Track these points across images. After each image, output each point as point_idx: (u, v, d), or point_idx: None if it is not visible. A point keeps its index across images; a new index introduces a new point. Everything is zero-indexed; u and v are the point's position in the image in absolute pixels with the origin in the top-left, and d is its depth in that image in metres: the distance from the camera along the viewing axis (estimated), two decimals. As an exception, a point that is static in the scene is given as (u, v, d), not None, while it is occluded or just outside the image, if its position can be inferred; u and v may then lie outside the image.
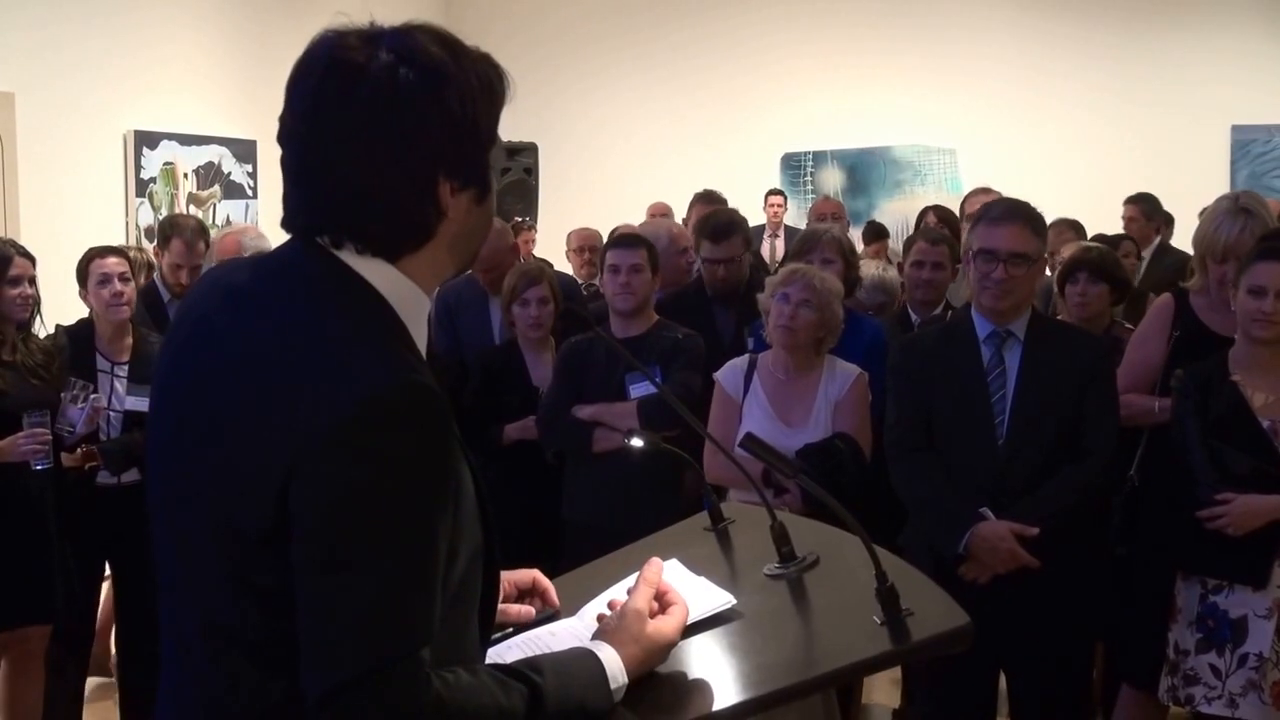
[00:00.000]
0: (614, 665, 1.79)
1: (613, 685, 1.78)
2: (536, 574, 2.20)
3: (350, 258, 1.69)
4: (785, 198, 11.50)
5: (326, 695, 1.54)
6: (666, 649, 1.89)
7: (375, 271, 1.69)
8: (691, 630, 2.01)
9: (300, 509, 1.56)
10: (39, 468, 4.44)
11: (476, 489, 1.75)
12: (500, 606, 2.10)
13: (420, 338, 1.74)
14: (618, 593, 2.15)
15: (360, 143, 1.64)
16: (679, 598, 1.95)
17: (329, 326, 1.64)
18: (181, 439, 1.72)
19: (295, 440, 1.55)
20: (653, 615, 1.90)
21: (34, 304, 4.64)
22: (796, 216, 11.32)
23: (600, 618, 1.96)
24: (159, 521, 1.77)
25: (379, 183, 1.65)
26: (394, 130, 1.63)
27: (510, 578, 2.16)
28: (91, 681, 5.51)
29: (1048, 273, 5.94)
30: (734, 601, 2.05)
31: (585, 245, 7.46)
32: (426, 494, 1.58)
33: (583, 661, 1.78)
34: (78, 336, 4.90)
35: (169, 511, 1.75)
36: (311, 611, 1.56)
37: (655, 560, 1.97)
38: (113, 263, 4.88)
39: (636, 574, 2.19)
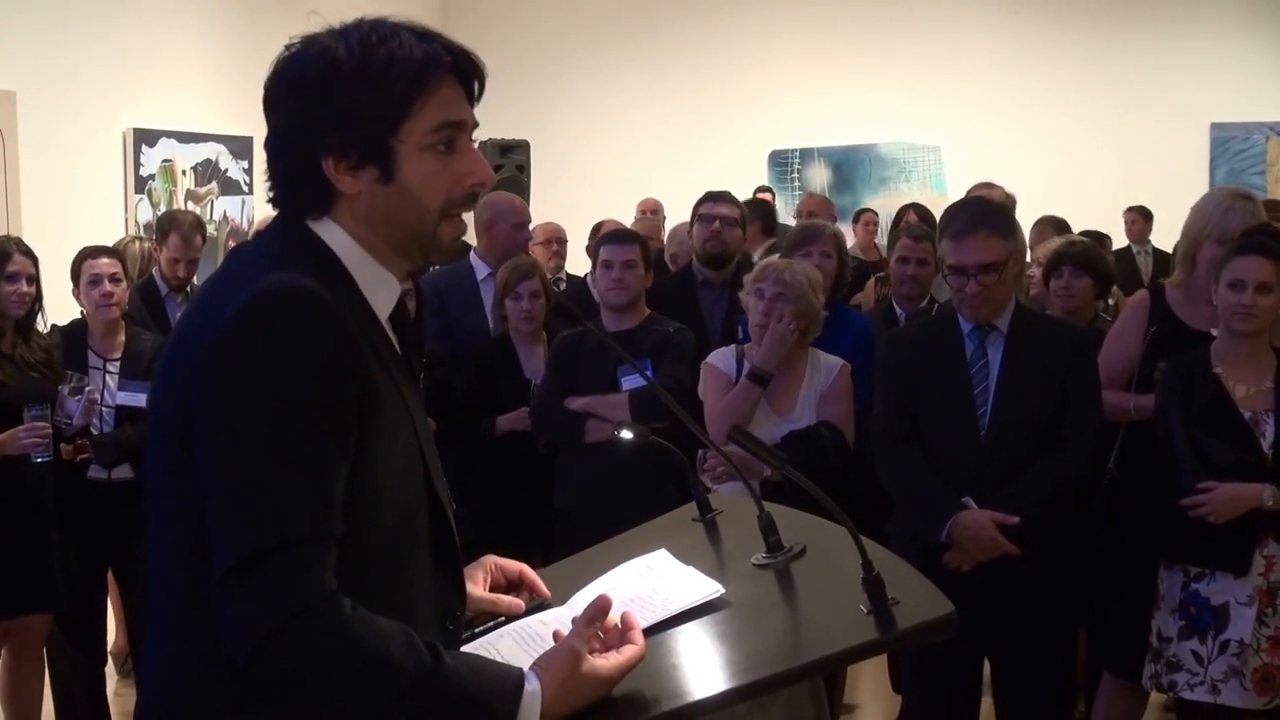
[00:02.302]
0: (532, 697, 1.72)
1: (521, 712, 1.72)
2: (524, 567, 2.22)
3: (311, 222, 1.83)
4: (773, 194, 11.56)
5: (222, 577, 1.62)
6: (599, 689, 1.79)
7: (326, 231, 1.82)
8: (680, 619, 2.03)
9: (196, 411, 1.67)
10: (39, 460, 4.47)
11: (418, 437, 1.82)
12: (492, 596, 2.15)
13: (377, 301, 1.84)
14: (608, 583, 2.19)
15: (267, 118, 1.84)
16: (638, 639, 1.85)
17: (261, 265, 1.76)
18: (154, 394, 1.87)
19: (197, 349, 1.69)
20: (605, 649, 1.83)
21: (33, 302, 4.66)
22: (784, 213, 11.37)
23: (556, 635, 1.91)
24: (146, 492, 1.85)
25: (272, 153, 1.84)
26: (280, 112, 1.82)
27: (500, 563, 2.19)
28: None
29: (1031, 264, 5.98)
30: (722, 591, 2.07)
31: (552, 238, 7.48)
32: (308, 388, 1.65)
33: (505, 675, 1.74)
34: (71, 335, 4.95)
35: (148, 473, 1.84)
36: (210, 504, 1.65)
37: (604, 596, 1.88)
38: (104, 264, 4.92)
39: (627, 563, 2.23)
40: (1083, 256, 4.96)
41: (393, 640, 1.65)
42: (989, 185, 6.54)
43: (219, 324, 1.67)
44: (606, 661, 1.81)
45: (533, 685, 1.74)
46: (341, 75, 1.76)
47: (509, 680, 1.74)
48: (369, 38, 1.78)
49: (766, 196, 11.28)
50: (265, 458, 1.63)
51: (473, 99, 1.87)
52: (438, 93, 1.80)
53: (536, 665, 1.79)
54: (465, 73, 1.84)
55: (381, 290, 1.86)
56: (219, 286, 1.80)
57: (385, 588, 1.73)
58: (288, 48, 1.82)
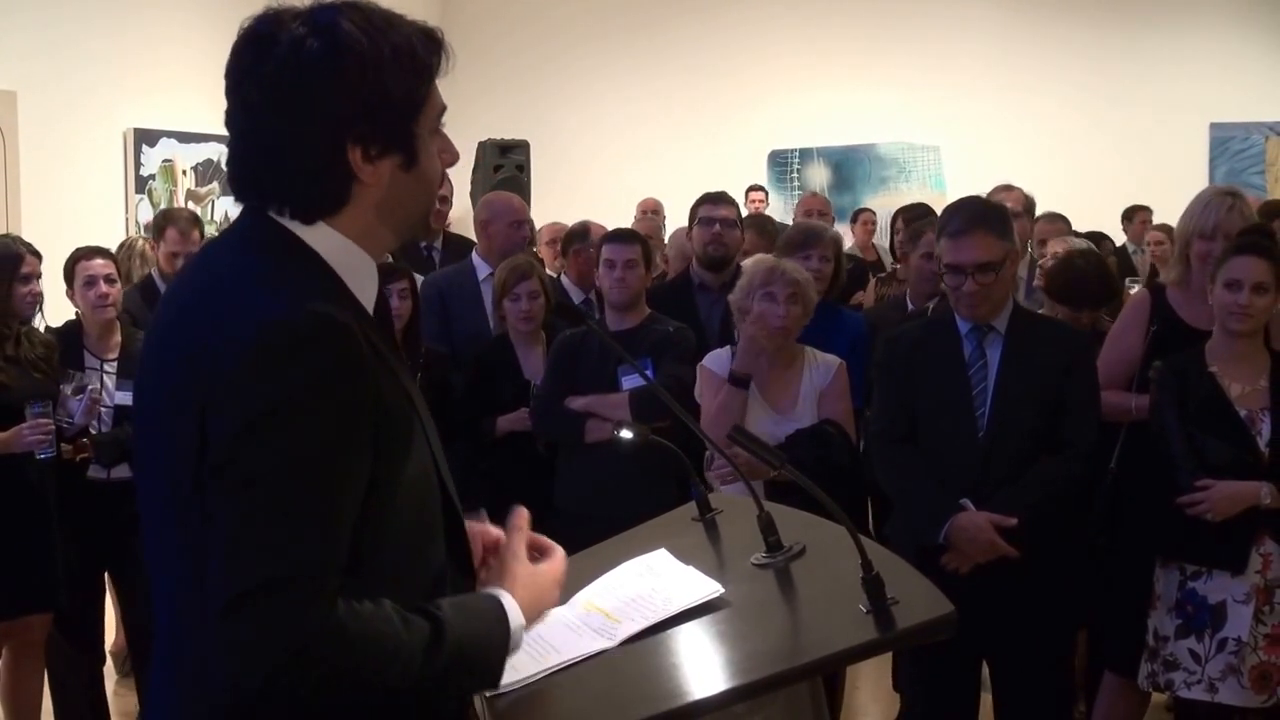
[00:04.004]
0: (513, 608, 1.82)
1: (512, 626, 1.81)
2: (500, 535, 2.08)
3: (288, 222, 1.77)
4: (766, 193, 11.61)
5: (224, 607, 1.58)
6: (555, 590, 1.94)
7: (312, 234, 1.77)
8: (680, 619, 2.04)
9: (212, 441, 1.63)
10: (42, 457, 4.48)
11: (427, 436, 1.82)
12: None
13: (364, 296, 1.82)
14: (608, 583, 2.19)
15: (268, 110, 1.74)
16: (551, 543, 2.00)
17: (248, 275, 1.73)
18: (141, 407, 1.83)
19: (205, 376, 1.64)
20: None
21: (39, 300, 4.71)
22: (783, 213, 11.38)
23: (482, 565, 1.99)
24: (140, 504, 1.83)
25: (285, 148, 1.74)
26: (297, 98, 1.72)
27: (482, 531, 2.11)
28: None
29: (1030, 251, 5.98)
30: (722, 590, 2.08)
31: (557, 238, 7.48)
32: (325, 420, 1.62)
33: (485, 603, 1.82)
34: (67, 336, 4.94)
35: (142, 488, 1.82)
36: (214, 532, 1.61)
37: (520, 509, 1.99)
38: (99, 264, 4.92)
39: (627, 563, 2.24)
40: (1097, 297, 4.88)
41: (394, 626, 1.65)
42: (1008, 187, 6.51)
43: (235, 351, 1.62)
44: (544, 566, 1.95)
45: (508, 600, 1.83)
46: (366, 60, 1.72)
47: (493, 606, 1.82)
48: (373, 20, 1.75)
49: (760, 196, 11.32)
50: (278, 495, 1.59)
51: None
52: (434, 78, 1.81)
53: (492, 581, 1.88)
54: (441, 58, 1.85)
55: (365, 284, 1.84)
56: (215, 290, 1.74)
57: (406, 583, 1.74)
58: (265, 28, 1.76)
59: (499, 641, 1.79)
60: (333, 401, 1.63)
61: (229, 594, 1.58)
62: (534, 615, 1.88)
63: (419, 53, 1.77)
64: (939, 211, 5.55)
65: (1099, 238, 6.89)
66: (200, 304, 1.74)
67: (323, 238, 1.78)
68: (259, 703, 1.58)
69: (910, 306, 5.38)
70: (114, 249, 5.59)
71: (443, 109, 1.83)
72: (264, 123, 1.75)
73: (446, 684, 1.72)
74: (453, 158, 1.88)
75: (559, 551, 1.99)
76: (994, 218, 3.89)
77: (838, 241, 5.25)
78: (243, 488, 1.60)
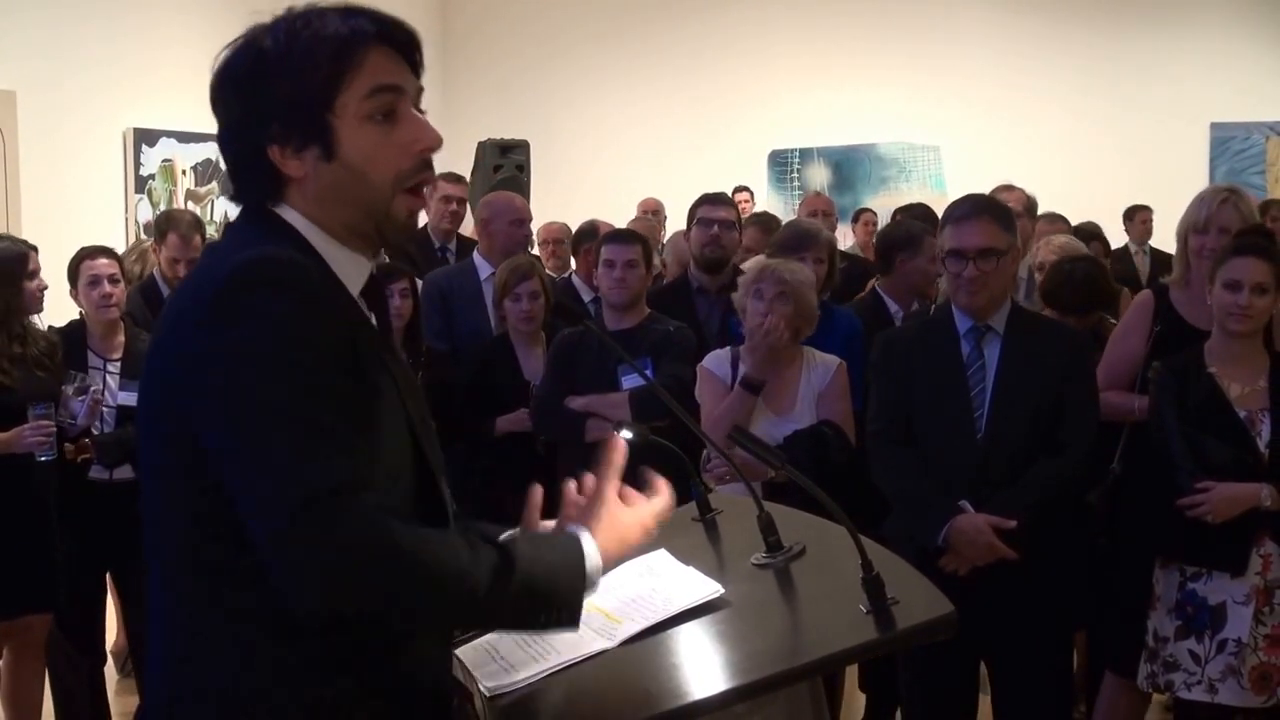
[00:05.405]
0: (592, 551, 1.82)
1: (589, 565, 1.81)
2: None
3: (273, 207, 1.86)
4: (752, 194, 11.61)
5: (272, 540, 1.61)
6: (638, 532, 1.91)
7: (287, 215, 1.85)
8: (679, 619, 2.05)
9: (196, 394, 1.67)
10: (43, 459, 4.48)
11: (403, 401, 1.83)
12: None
13: (348, 279, 1.85)
14: (608, 583, 2.19)
15: (216, 120, 1.89)
16: (664, 489, 1.97)
17: (234, 246, 1.81)
18: (143, 407, 1.86)
19: (186, 334, 1.71)
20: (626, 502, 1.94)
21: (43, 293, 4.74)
22: (784, 213, 11.39)
23: (566, 499, 2.00)
24: (143, 504, 1.84)
25: (224, 150, 1.90)
26: (223, 108, 1.87)
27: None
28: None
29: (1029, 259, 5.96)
30: (722, 590, 2.08)
31: (550, 239, 7.48)
32: (304, 347, 1.66)
33: (564, 542, 1.82)
34: (70, 336, 4.94)
35: (145, 487, 1.84)
36: (234, 477, 1.64)
37: (620, 441, 1.97)
38: (102, 264, 4.92)
39: (627, 563, 2.23)
40: (1088, 303, 4.86)
41: (458, 550, 1.68)
42: (1009, 187, 6.50)
43: (203, 304, 1.70)
44: (639, 512, 1.92)
45: (586, 538, 1.83)
46: (269, 64, 1.80)
47: (570, 542, 1.82)
48: (294, 23, 1.81)
49: (745, 196, 11.32)
50: (277, 419, 1.62)
51: (416, 70, 1.87)
52: (366, 63, 1.80)
53: (576, 520, 1.88)
54: (400, 43, 1.84)
55: (350, 268, 1.86)
56: (199, 277, 1.83)
57: None
58: (227, 46, 1.86)
59: (572, 576, 1.78)
60: (300, 327, 1.67)
61: (269, 528, 1.60)
62: (617, 557, 1.87)
63: (325, 45, 1.79)
64: (939, 212, 5.52)
65: (1091, 234, 6.87)
66: (193, 279, 1.84)
67: (298, 221, 1.84)
68: (330, 609, 1.63)
69: (894, 307, 5.32)
70: (120, 250, 5.60)
71: (376, 89, 1.80)
72: (217, 125, 1.90)
73: (514, 611, 1.75)
74: (425, 144, 1.84)
75: (663, 497, 1.96)
76: (998, 210, 3.93)
77: (831, 244, 5.20)
78: (240, 430, 1.63)
